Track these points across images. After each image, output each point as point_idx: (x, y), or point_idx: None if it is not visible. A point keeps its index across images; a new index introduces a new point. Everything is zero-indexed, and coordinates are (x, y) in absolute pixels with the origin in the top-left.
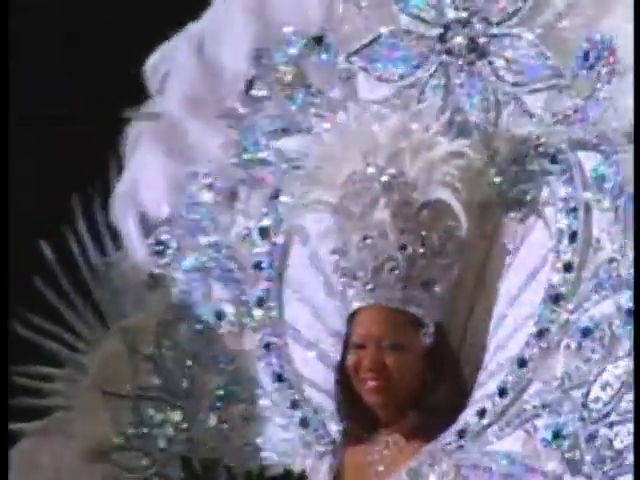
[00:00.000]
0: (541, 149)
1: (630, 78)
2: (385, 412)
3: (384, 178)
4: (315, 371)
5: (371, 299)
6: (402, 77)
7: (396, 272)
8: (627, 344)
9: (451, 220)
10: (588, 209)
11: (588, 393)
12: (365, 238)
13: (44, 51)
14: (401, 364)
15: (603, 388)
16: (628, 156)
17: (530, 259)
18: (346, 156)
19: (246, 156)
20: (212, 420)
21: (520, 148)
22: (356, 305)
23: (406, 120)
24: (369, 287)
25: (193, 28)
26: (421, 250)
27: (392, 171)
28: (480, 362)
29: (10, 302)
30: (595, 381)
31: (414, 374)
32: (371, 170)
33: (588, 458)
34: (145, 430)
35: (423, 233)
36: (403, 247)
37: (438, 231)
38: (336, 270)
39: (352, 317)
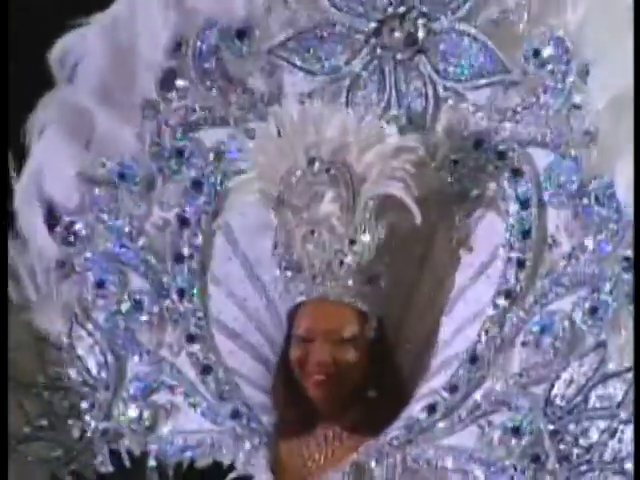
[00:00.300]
0: (485, 145)
1: (593, 74)
2: (327, 406)
3: (332, 172)
4: (242, 363)
5: (319, 293)
6: (331, 71)
7: (345, 267)
8: (591, 340)
9: (397, 215)
10: (542, 205)
11: (551, 389)
12: (312, 232)
13: None
14: (349, 358)
15: (568, 385)
16: (591, 155)
17: (479, 254)
18: (285, 150)
19: (162, 146)
20: (132, 411)
21: (461, 144)
22: (302, 299)
23: (347, 114)
24: (318, 281)
25: (105, 16)
26: (369, 245)
27: (339, 165)
28: (423, 357)
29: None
30: (558, 377)
31: (359, 368)
32: (317, 164)
33: (552, 454)
34: (55, 420)
35: (370, 227)
36: (352, 242)
37: (385, 226)
38: (278, 264)
39: (295, 310)
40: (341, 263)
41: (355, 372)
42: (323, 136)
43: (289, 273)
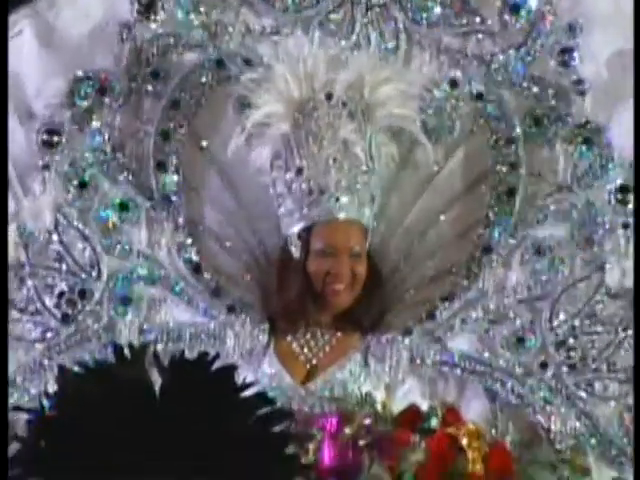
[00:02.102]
0: (460, 87)
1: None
2: (339, 309)
3: (349, 105)
4: (228, 265)
5: (339, 212)
6: (294, 10)
7: (358, 189)
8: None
9: (399, 146)
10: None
11: (556, 303)
12: (335, 159)
13: None
14: (361, 270)
15: (570, 302)
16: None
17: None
18: (296, 82)
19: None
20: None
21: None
22: (323, 217)
23: (359, 57)
24: (336, 201)
25: None
26: (376, 169)
27: (355, 100)
28: (413, 268)
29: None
30: (561, 295)
31: (363, 278)
32: (334, 98)
33: (556, 360)
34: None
35: (378, 155)
36: (368, 168)
37: (388, 154)
38: (299, 187)
39: (309, 229)
40: (359, 188)
41: (362, 281)
42: (339, 75)
43: (312, 196)
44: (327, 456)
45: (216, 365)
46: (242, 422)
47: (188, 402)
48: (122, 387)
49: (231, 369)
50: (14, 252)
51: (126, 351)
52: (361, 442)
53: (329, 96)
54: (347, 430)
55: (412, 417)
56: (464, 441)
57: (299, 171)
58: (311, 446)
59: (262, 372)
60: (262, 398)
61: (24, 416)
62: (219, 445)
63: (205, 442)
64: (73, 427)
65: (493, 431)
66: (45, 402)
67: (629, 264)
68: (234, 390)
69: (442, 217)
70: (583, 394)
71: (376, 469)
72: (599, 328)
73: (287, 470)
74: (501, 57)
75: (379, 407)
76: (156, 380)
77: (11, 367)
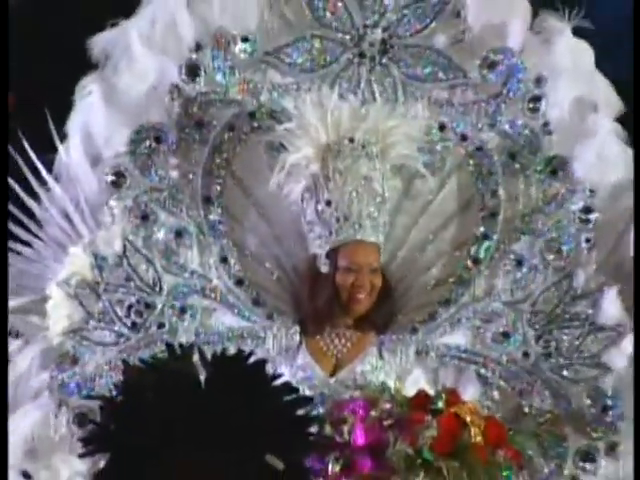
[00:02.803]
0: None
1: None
2: (358, 313)
3: (367, 148)
4: (267, 281)
5: (361, 236)
6: (311, 70)
7: (375, 216)
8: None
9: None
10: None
11: (534, 304)
12: (357, 192)
13: None
14: (377, 283)
15: (545, 303)
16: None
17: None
18: (324, 130)
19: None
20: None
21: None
22: (348, 240)
23: (374, 110)
24: (359, 227)
25: (138, 19)
26: (386, 199)
27: (372, 143)
28: (414, 278)
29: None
30: (538, 298)
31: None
32: (355, 142)
33: (535, 350)
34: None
35: (389, 188)
36: (383, 198)
37: (397, 187)
38: (329, 216)
39: (335, 250)
40: (374, 215)
41: (377, 290)
42: (359, 123)
43: (338, 223)
44: (359, 435)
45: (251, 360)
46: (271, 406)
47: (227, 391)
48: (173, 379)
49: (263, 363)
50: (90, 274)
51: (177, 349)
52: (385, 423)
53: (351, 140)
54: (373, 413)
55: (423, 400)
56: (467, 418)
57: (328, 203)
58: (345, 428)
59: (296, 366)
60: (288, 387)
61: (97, 403)
62: (253, 424)
63: (241, 423)
64: (134, 412)
65: (486, 410)
66: (114, 392)
67: (591, 270)
68: (265, 380)
69: (439, 236)
70: (558, 378)
71: (399, 445)
72: (569, 324)
73: (308, 445)
74: (482, 105)
75: (394, 393)
76: (201, 373)
77: (90, 367)
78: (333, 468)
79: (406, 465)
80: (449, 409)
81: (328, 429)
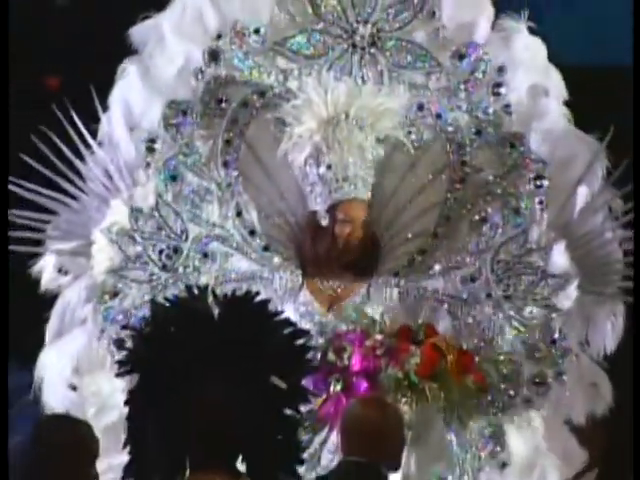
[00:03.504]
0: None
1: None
2: (348, 259)
3: (359, 122)
4: (275, 231)
5: (355, 194)
6: (312, 57)
7: (366, 178)
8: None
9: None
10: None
11: (496, 254)
12: (352, 158)
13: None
14: (367, 232)
15: (505, 253)
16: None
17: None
18: (324, 107)
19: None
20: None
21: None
22: (345, 197)
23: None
24: (354, 187)
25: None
26: (376, 164)
27: (364, 118)
28: (396, 231)
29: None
30: (499, 249)
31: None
32: (350, 117)
33: (497, 292)
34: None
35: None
36: (372, 164)
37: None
38: (329, 178)
39: (334, 205)
40: (365, 177)
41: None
42: (353, 101)
43: (337, 183)
44: (357, 361)
45: (257, 299)
46: (274, 337)
47: (237, 325)
48: (191, 314)
49: (267, 302)
50: (128, 223)
51: (194, 290)
52: (378, 351)
53: (347, 115)
54: (367, 343)
55: (407, 333)
56: (444, 347)
57: (329, 167)
58: (345, 355)
59: (298, 302)
60: (288, 322)
61: (131, 332)
62: (259, 352)
63: (249, 351)
64: (159, 340)
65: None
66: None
67: (543, 227)
68: (269, 316)
69: (417, 198)
70: (516, 315)
71: (390, 370)
72: (524, 271)
73: (305, 368)
74: (453, 89)
75: (383, 326)
76: (214, 309)
77: (127, 301)
78: (334, 388)
79: (395, 387)
80: (428, 340)
81: (331, 356)
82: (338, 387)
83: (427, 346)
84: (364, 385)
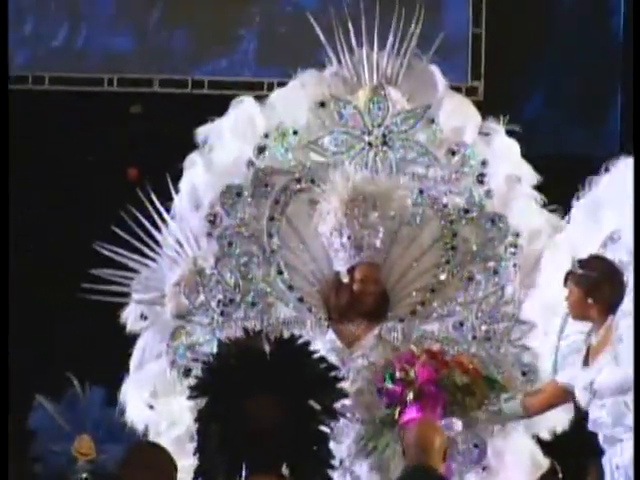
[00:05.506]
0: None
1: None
2: (364, 310)
3: (372, 201)
4: (307, 286)
5: (370, 260)
6: (337, 153)
7: (379, 247)
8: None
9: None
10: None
11: (480, 305)
12: (368, 232)
13: None
14: (380, 288)
15: (486, 304)
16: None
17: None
18: (345, 191)
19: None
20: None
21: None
22: (362, 262)
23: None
24: (366, 254)
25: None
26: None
27: (375, 199)
28: (400, 286)
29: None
30: (482, 301)
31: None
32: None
33: (480, 335)
34: None
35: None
36: (383, 236)
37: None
38: (347, 246)
39: (353, 267)
40: (376, 247)
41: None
42: (369, 187)
43: (353, 251)
44: (421, 373)
45: (299, 341)
46: (311, 369)
47: (284, 360)
48: (248, 351)
49: (308, 343)
50: (194, 278)
51: (250, 332)
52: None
53: (364, 198)
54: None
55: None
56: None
57: (349, 238)
58: (410, 371)
59: (325, 341)
60: (322, 358)
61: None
62: (300, 382)
63: (293, 380)
64: (223, 371)
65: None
66: (210, 357)
67: (516, 285)
68: (308, 354)
69: (418, 262)
70: (492, 351)
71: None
72: (501, 318)
73: (336, 395)
74: (446, 178)
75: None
76: (266, 347)
77: (192, 339)
78: (408, 396)
79: (453, 390)
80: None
81: (398, 373)
82: (410, 396)
83: (457, 361)
84: (433, 390)
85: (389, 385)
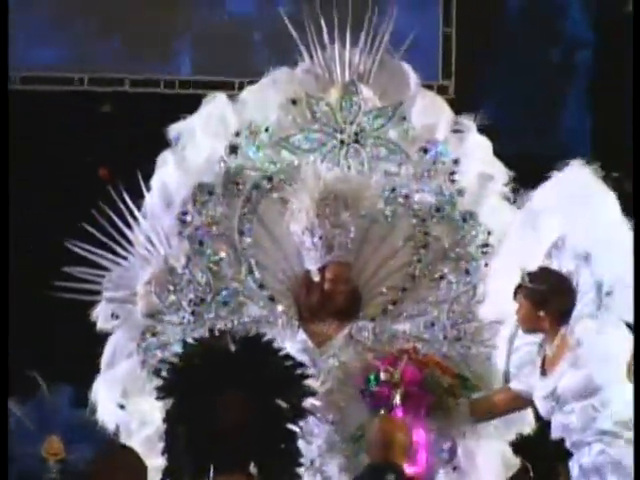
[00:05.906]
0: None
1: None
2: (335, 309)
3: (342, 201)
4: (278, 285)
5: (341, 259)
6: (309, 151)
7: (350, 246)
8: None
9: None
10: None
11: (451, 305)
12: (339, 232)
13: None
14: (349, 287)
15: (457, 304)
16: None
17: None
18: (317, 190)
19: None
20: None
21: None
22: (333, 261)
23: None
24: (340, 253)
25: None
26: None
27: (346, 196)
28: (370, 284)
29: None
30: (453, 301)
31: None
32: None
33: (451, 335)
34: None
35: (355, 226)
36: (354, 235)
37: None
38: (319, 245)
39: (324, 266)
40: (346, 246)
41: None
42: (340, 185)
43: (324, 249)
44: (407, 374)
45: (264, 338)
46: (276, 366)
47: (250, 359)
48: (214, 351)
49: (272, 341)
50: (165, 277)
51: (216, 331)
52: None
53: (335, 196)
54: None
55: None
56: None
57: (320, 237)
58: (395, 373)
59: (296, 340)
60: (289, 356)
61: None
62: (266, 380)
63: (259, 379)
64: (189, 372)
65: None
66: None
67: (486, 287)
68: (273, 352)
69: (389, 260)
70: (463, 351)
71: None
72: (472, 318)
73: (303, 392)
74: (418, 176)
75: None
76: (231, 346)
77: (163, 339)
78: (394, 398)
79: (440, 391)
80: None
81: (383, 375)
82: (397, 398)
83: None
84: (417, 391)
85: (374, 387)
